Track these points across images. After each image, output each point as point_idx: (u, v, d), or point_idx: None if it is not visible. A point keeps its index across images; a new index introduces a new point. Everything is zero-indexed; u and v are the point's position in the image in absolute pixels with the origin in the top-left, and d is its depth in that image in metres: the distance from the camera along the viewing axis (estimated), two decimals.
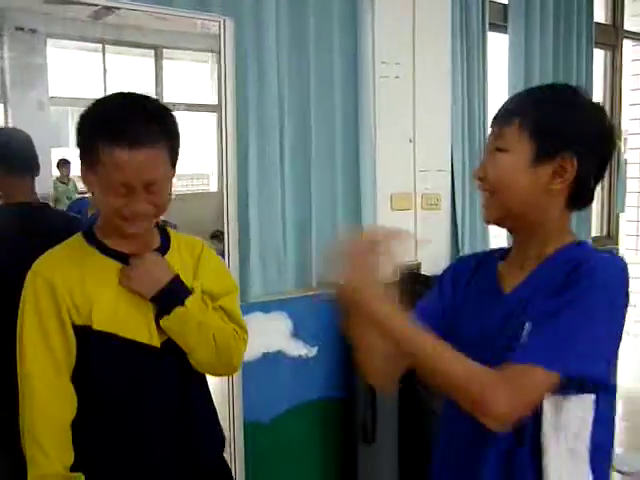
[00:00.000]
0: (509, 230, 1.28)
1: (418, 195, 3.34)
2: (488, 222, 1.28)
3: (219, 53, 2.53)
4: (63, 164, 7.08)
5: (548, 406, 1.11)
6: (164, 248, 1.45)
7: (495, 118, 1.25)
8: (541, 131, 1.16)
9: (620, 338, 1.15)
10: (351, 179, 3.07)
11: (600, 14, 4.45)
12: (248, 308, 2.72)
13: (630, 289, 1.14)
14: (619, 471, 3.40)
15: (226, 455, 1.62)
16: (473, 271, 1.33)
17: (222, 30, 2.48)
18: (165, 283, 1.35)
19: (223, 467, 1.57)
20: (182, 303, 1.34)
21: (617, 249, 4.73)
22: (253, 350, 2.84)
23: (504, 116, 1.22)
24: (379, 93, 3.15)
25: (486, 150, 1.25)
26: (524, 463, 1.15)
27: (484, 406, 1.04)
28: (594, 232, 4.49)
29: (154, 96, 1.43)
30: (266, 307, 2.88)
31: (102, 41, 7.31)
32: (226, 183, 2.75)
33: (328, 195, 3.01)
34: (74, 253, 1.38)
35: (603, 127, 1.20)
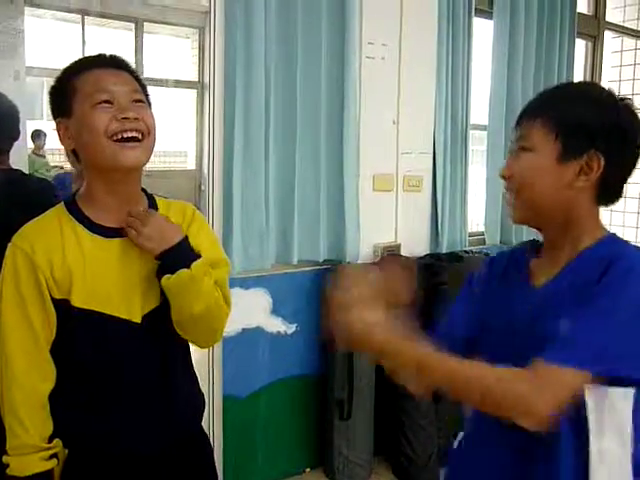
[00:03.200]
0: (538, 229, 1.27)
1: (400, 176, 3.37)
2: (515, 222, 1.27)
3: (209, 29, 2.50)
4: (38, 136, 6.93)
5: (591, 401, 1.09)
6: None
7: (519, 117, 1.24)
8: (566, 129, 1.15)
9: None
10: (335, 159, 3.08)
11: (583, 4, 4.50)
12: (229, 283, 2.73)
13: None
14: None
15: (205, 427, 1.63)
16: (505, 268, 1.33)
17: (212, 5, 2.45)
18: (175, 243, 1.33)
19: (201, 435, 1.58)
20: (188, 266, 1.32)
21: None
22: (233, 326, 2.86)
23: (528, 115, 1.21)
24: (365, 74, 3.17)
25: (510, 150, 1.25)
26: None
27: (525, 412, 1.04)
28: None
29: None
30: (247, 283, 2.90)
31: (82, 12, 7.16)
32: (212, 161, 2.74)
33: (311, 174, 3.03)
34: (55, 225, 1.36)
35: (630, 122, 1.17)
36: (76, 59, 1.38)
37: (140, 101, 1.34)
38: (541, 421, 1.04)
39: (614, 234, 1.23)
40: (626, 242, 1.22)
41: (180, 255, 1.33)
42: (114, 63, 1.36)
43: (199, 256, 1.35)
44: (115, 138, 1.28)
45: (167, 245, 1.32)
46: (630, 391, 1.10)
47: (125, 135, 1.29)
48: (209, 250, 1.43)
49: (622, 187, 1.22)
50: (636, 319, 1.06)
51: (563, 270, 1.20)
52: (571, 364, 1.04)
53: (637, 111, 1.20)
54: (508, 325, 1.22)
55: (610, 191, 1.20)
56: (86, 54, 1.41)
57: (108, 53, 1.38)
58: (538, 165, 1.17)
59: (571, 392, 1.06)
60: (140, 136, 1.31)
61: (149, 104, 1.40)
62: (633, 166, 1.21)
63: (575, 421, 1.09)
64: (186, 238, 1.36)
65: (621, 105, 1.18)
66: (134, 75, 1.39)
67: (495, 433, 1.16)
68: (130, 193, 1.39)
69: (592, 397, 1.09)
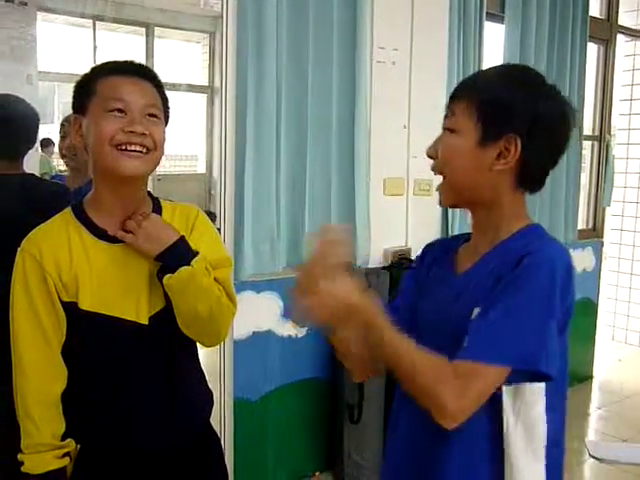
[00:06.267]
0: (469, 210, 1.27)
1: (410, 180, 3.37)
2: (442, 205, 1.28)
3: (221, 33, 2.50)
4: (48, 144, 7.07)
5: (506, 396, 1.12)
6: None
7: (450, 98, 1.23)
8: (486, 112, 1.15)
9: (564, 331, 1.14)
10: (345, 163, 3.09)
11: (595, 8, 4.49)
12: (240, 287, 2.74)
13: (574, 281, 1.14)
14: (594, 457, 3.48)
15: (216, 430, 1.64)
16: (437, 255, 1.33)
17: (225, 9, 2.46)
18: (172, 242, 1.34)
19: (210, 432, 1.60)
20: (188, 263, 1.32)
21: (602, 242, 4.81)
22: (244, 329, 2.87)
23: (456, 96, 1.21)
24: (375, 78, 3.17)
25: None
26: (483, 453, 1.15)
27: (437, 408, 1.05)
28: (580, 225, 4.55)
29: None
30: (258, 286, 2.90)
31: (93, 17, 7.24)
32: (224, 165, 2.75)
33: (322, 177, 3.03)
34: (62, 229, 1.38)
35: (552, 108, 1.16)
36: (105, 61, 1.40)
37: (154, 115, 1.35)
38: (453, 421, 1.06)
39: (537, 225, 1.23)
40: (545, 234, 1.22)
41: (179, 254, 1.34)
42: (139, 72, 1.36)
43: (197, 253, 1.36)
44: (119, 147, 1.30)
45: (164, 245, 1.34)
46: (540, 386, 1.13)
47: (129, 147, 1.31)
48: (212, 250, 1.45)
49: (544, 174, 1.21)
50: (542, 314, 1.07)
51: (483, 258, 1.20)
52: (488, 360, 1.05)
53: (563, 98, 1.19)
54: (430, 311, 1.23)
55: (530, 177, 1.20)
56: (97, 59, 1.42)
57: (137, 61, 1.39)
58: (459, 147, 1.18)
59: (491, 388, 1.07)
60: (145, 150, 1.33)
61: (166, 118, 1.41)
62: (556, 152, 1.20)
63: (489, 411, 1.12)
64: (183, 237, 1.37)
65: (546, 90, 1.18)
66: (158, 88, 1.39)
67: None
68: (134, 197, 1.40)
69: (507, 393, 1.11)
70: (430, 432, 1.15)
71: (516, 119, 1.14)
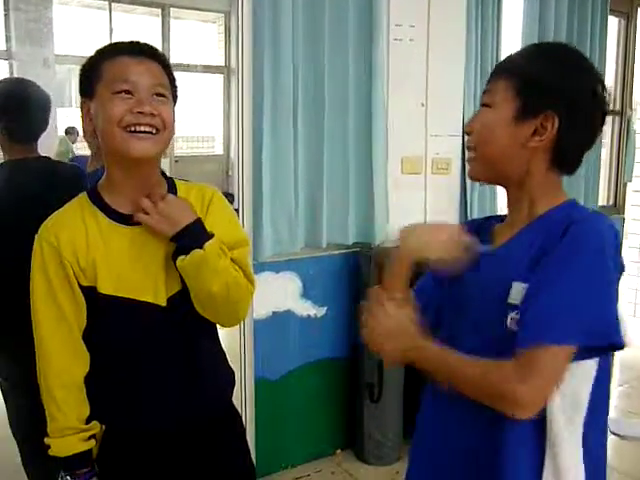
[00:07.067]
0: (503, 186, 1.28)
1: (429, 159, 3.35)
2: (471, 177, 1.28)
3: (236, 12, 2.48)
4: (71, 132, 7.17)
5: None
6: None
7: (490, 75, 1.24)
8: (525, 88, 1.15)
9: (617, 300, 1.12)
10: (363, 142, 3.08)
11: None
12: (259, 267, 2.76)
13: (621, 249, 1.15)
14: (614, 433, 3.47)
15: (237, 409, 1.66)
16: (472, 234, 1.31)
17: None
18: (186, 224, 1.33)
19: (231, 412, 1.61)
20: (201, 246, 1.32)
21: (623, 219, 4.75)
22: (263, 309, 2.89)
23: (495, 72, 1.22)
24: (392, 56, 3.14)
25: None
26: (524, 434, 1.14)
27: (510, 402, 1.04)
28: (600, 201, 4.50)
29: None
30: (277, 267, 2.92)
31: None
32: (241, 146, 2.74)
33: (340, 157, 3.03)
34: (78, 214, 1.38)
35: (590, 88, 1.16)
36: (109, 43, 1.39)
37: (161, 95, 1.34)
38: (533, 410, 1.06)
39: (573, 200, 1.23)
40: (584, 207, 1.22)
41: (192, 236, 1.33)
42: (145, 52, 1.35)
43: (212, 236, 1.36)
44: (128, 129, 1.29)
45: (179, 227, 1.33)
46: (592, 365, 1.11)
47: (138, 129, 1.30)
48: (229, 230, 1.44)
49: (578, 155, 1.21)
50: (600, 282, 1.06)
51: (519, 233, 1.20)
52: (553, 340, 1.03)
53: (601, 78, 1.18)
54: (468, 288, 1.22)
55: (565, 156, 1.19)
56: (114, 41, 1.40)
57: (142, 41, 1.37)
58: (495, 121, 1.18)
59: (561, 369, 1.06)
60: (154, 131, 1.32)
61: (175, 97, 1.40)
62: (591, 133, 1.19)
63: None
64: (199, 219, 1.36)
65: (586, 70, 1.17)
66: (165, 67, 1.38)
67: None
68: (147, 178, 1.39)
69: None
70: (478, 419, 1.16)
71: (555, 96, 1.14)
